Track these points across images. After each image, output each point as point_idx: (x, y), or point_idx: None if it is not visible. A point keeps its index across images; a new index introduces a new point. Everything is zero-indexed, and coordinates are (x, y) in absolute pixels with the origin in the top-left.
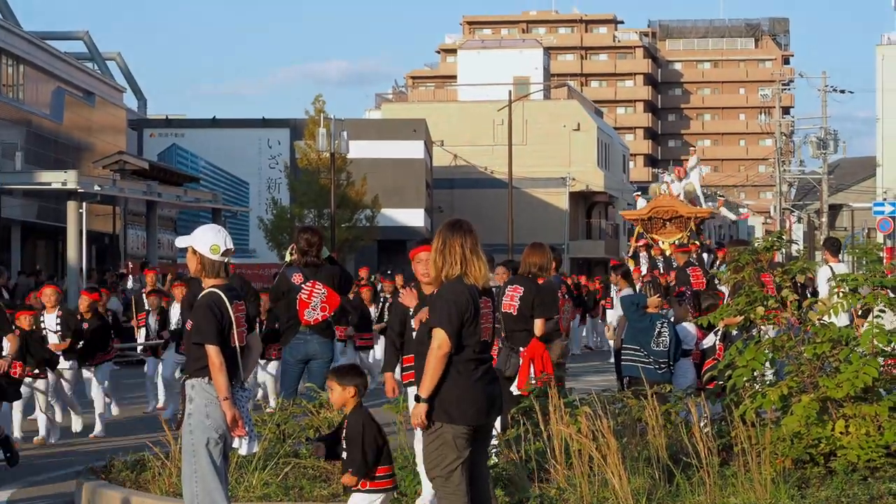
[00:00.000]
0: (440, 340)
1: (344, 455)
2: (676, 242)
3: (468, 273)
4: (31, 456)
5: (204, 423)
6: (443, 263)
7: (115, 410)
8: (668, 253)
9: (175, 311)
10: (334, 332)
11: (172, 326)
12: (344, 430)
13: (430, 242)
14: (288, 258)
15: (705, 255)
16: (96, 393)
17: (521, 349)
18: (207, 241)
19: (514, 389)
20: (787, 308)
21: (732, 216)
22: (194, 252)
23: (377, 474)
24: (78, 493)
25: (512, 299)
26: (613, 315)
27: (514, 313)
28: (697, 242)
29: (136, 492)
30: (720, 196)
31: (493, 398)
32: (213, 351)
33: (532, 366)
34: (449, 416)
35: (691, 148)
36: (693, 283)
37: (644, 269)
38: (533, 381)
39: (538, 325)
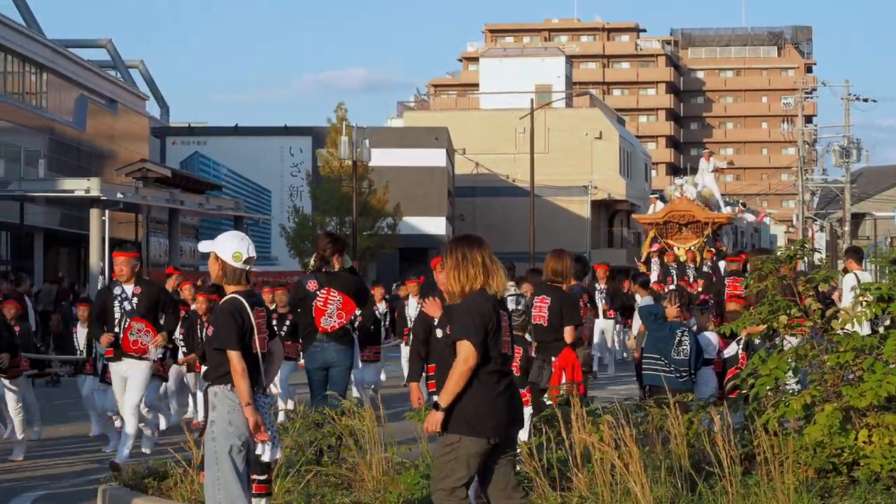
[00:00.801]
0: (466, 353)
1: None
2: (692, 248)
3: (490, 284)
4: (53, 464)
5: (227, 431)
6: (466, 277)
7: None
8: (682, 259)
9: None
10: (353, 339)
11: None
12: None
13: None
14: (312, 263)
15: (721, 263)
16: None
17: (553, 359)
18: (230, 248)
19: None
20: (811, 317)
21: (750, 217)
22: (217, 258)
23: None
24: (103, 501)
25: (541, 310)
26: (635, 324)
27: (545, 324)
28: (713, 249)
29: (159, 499)
30: (741, 203)
31: (515, 412)
32: (234, 356)
33: (564, 375)
34: (470, 429)
35: (704, 151)
36: (728, 293)
37: (655, 276)
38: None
39: (568, 333)
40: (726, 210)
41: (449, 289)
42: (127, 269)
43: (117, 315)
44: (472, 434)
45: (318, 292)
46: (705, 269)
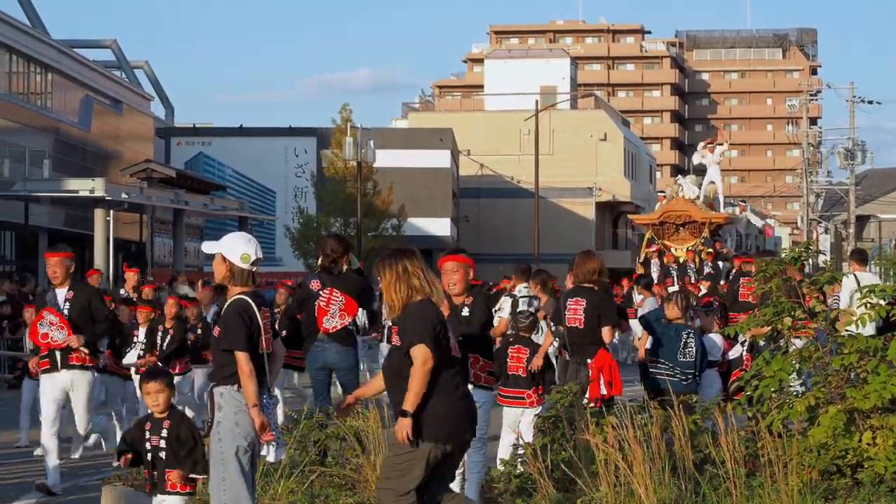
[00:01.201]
0: (423, 356)
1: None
2: (691, 248)
3: (433, 295)
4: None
5: (233, 432)
6: (408, 289)
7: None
8: (681, 260)
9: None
10: (355, 340)
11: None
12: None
13: (460, 252)
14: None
15: (721, 264)
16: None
17: (589, 360)
18: (238, 249)
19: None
20: (816, 318)
21: (757, 220)
22: (224, 259)
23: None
24: (107, 500)
25: (575, 312)
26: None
27: (581, 326)
28: (713, 251)
29: None
30: (742, 202)
31: (473, 414)
32: (243, 358)
33: (602, 376)
34: (436, 435)
35: (706, 141)
36: (741, 294)
37: (655, 278)
38: (604, 392)
39: (606, 334)
40: (727, 210)
41: (390, 301)
42: (61, 270)
43: None
44: (439, 440)
45: (321, 292)
46: (707, 270)
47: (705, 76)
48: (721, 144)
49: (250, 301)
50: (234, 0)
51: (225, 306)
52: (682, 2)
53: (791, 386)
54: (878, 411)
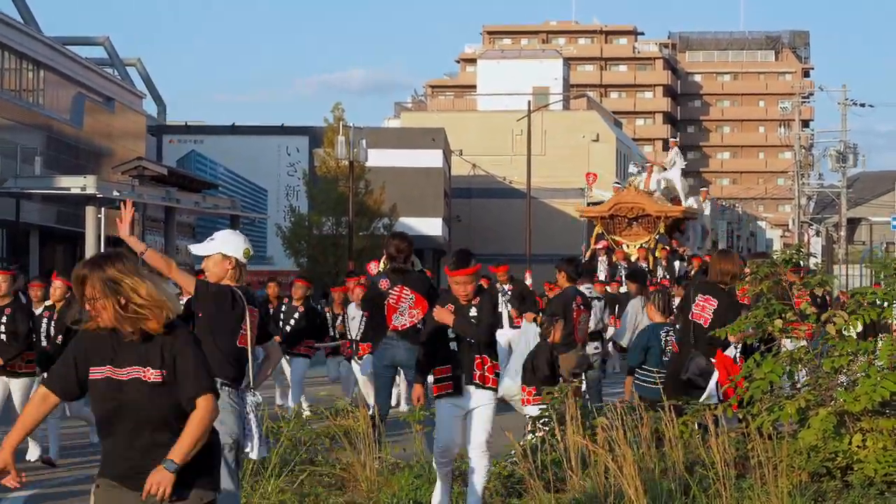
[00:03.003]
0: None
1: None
2: (644, 245)
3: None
4: (43, 463)
5: (218, 430)
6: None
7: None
8: (633, 258)
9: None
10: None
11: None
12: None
13: (468, 259)
14: (381, 267)
15: (677, 264)
16: None
17: (712, 360)
18: (239, 245)
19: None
20: (807, 321)
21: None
22: (225, 258)
23: None
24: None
25: (704, 310)
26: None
27: (705, 325)
28: (668, 247)
29: None
30: (702, 189)
31: None
32: (185, 280)
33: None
34: None
35: (671, 140)
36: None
37: (602, 277)
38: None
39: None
40: (689, 203)
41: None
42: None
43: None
44: None
45: (390, 290)
46: (661, 270)
47: (698, 78)
48: (668, 152)
49: (238, 292)
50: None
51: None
52: (675, 3)
53: (782, 388)
54: (868, 414)
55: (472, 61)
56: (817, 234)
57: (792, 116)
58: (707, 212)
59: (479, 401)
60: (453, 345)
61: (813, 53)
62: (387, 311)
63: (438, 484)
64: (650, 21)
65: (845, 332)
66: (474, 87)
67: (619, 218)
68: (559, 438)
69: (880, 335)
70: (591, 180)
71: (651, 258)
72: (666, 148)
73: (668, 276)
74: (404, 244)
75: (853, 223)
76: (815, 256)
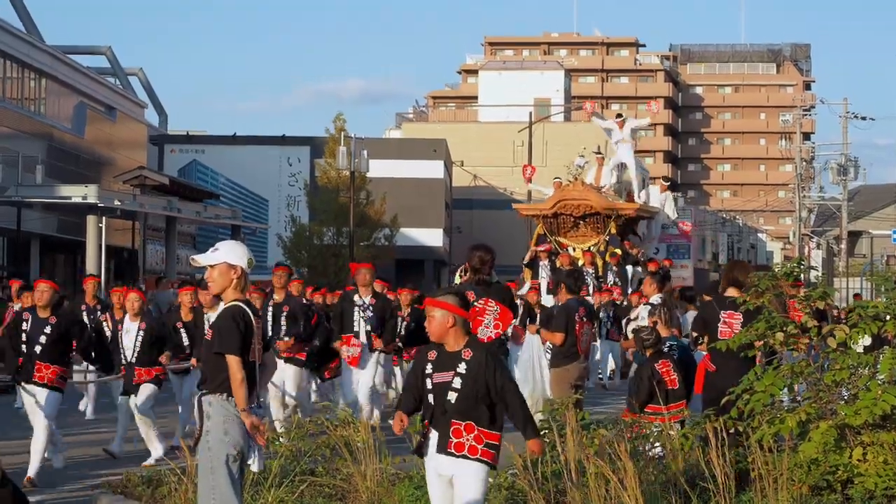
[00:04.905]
0: None
1: None
2: (591, 248)
3: None
4: (45, 469)
5: (223, 441)
6: None
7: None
8: (580, 263)
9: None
10: (507, 350)
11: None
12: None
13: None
14: (458, 279)
15: (629, 269)
16: None
17: None
18: (244, 255)
19: None
20: (808, 333)
21: (670, 211)
22: (231, 267)
23: None
24: None
25: (732, 326)
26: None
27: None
28: (619, 251)
29: None
30: (663, 182)
31: None
32: (234, 362)
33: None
34: None
35: (617, 119)
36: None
37: (545, 284)
38: None
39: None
40: (640, 199)
41: None
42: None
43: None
44: None
45: (475, 303)
46: (611, 276)
47: (699, 90)
48: (637, 119)
49: (247, 309)
50: (229, 9)
51: (221, 310)
52: (676, 16)
53: (783, 401)
54: (869, 427)
55: (474, 72)
56: (818, 246)
57: (793, 129)
58: (668, 208)
59: (461, 471)
60: (430, 397)
61: (814, 66)
62: (473, 323)
63: None
64: (651, 33)
65: (852, 345)
66: (476, 98)
67: (563, 217)
68: (560, 450)
69: (884, 347)
70: (529, 173)
71: (600, 262)
72: (667, 160)
73: (618, 283)
74: (488, 256)
75: (854, 236)
76: (815, 269)
